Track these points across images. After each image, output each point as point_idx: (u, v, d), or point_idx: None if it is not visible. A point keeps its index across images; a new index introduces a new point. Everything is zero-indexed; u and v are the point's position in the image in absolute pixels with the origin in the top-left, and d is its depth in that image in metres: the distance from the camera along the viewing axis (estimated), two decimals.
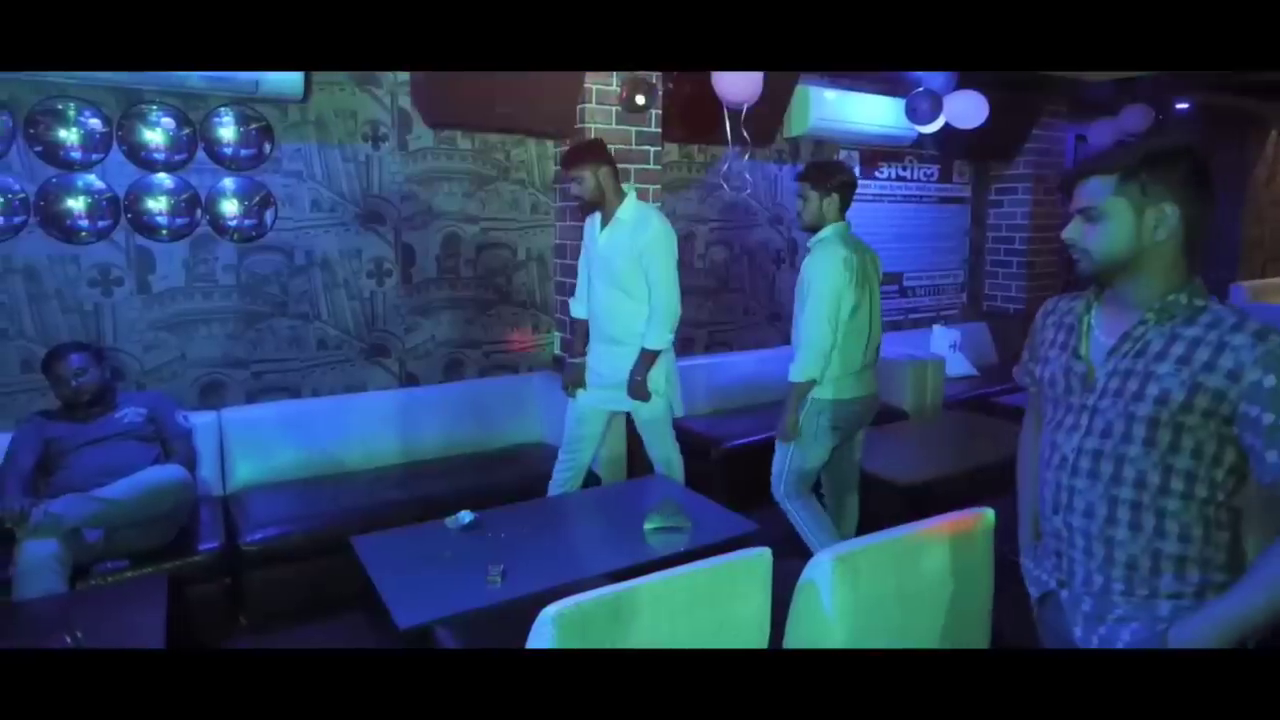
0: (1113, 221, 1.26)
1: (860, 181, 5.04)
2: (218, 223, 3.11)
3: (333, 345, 3.42)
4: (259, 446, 3.19)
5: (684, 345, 4.40)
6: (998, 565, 1.97)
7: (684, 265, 4.29)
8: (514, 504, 3.06)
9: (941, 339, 5.26)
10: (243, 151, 3.11)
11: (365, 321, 3.48)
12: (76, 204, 2.86)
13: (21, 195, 2.77)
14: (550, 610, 1.44)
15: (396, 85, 3.38)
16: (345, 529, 2.71)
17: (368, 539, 2.59)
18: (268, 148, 3.15)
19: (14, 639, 1.96)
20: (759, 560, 1.68)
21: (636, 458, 3.51)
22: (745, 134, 3.58)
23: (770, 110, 4.07)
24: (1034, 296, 5.52)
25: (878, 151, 5.11)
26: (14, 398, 2.83)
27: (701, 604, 1.63)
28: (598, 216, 2.94)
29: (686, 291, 4.30)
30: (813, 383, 2.74)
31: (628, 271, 2.85)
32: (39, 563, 2.24)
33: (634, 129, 3.62)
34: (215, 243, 3.12)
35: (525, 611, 1.66)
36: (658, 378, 2.94)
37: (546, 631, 1.44)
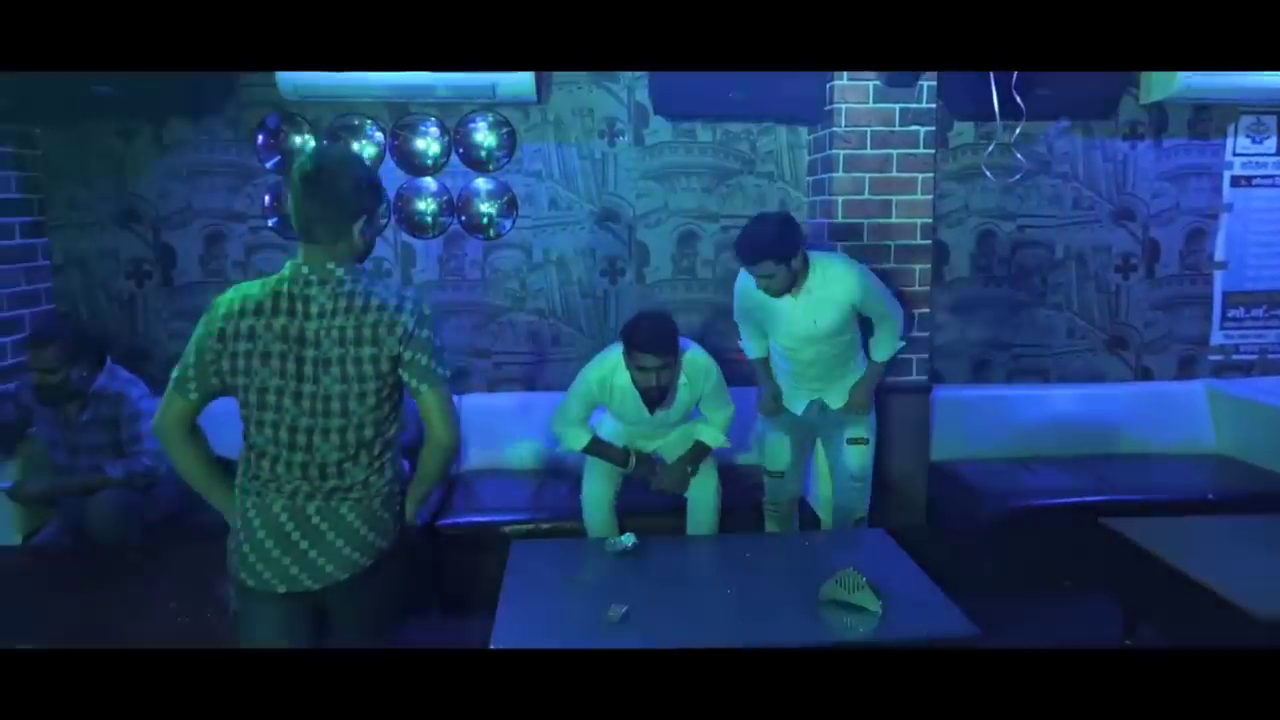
0: None
1: (1277, 159, 3.60)
2: (468, 221, 3.35)
3: (565, 342, 3.46)
4: (491, 432, 3.37)
5: (976, 369, 3.61)
6: None
7: (979, 270, 3.51)
8: (691, 535, 2.78)
9: None
10: (490, 154, 3.30)
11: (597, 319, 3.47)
12: None
13: None
14: None
15: (633, 79, 3.29)
16: (546, 524, 2.82)
17: (525, 545, 2.54)
18: (511, 149, 3.30)
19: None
20: None
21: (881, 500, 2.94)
22: (1019, 102, 2.72)
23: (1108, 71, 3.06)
24: None
25: None
26: None
27: None
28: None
29: (977, 304, 3.53)
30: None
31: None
32: None
33: (897, 106, 3.01)
34: (464, 240, 3.37)
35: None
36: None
37: None
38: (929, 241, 3.14)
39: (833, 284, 2.48)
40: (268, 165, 3.25)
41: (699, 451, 2.69)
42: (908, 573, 2.30)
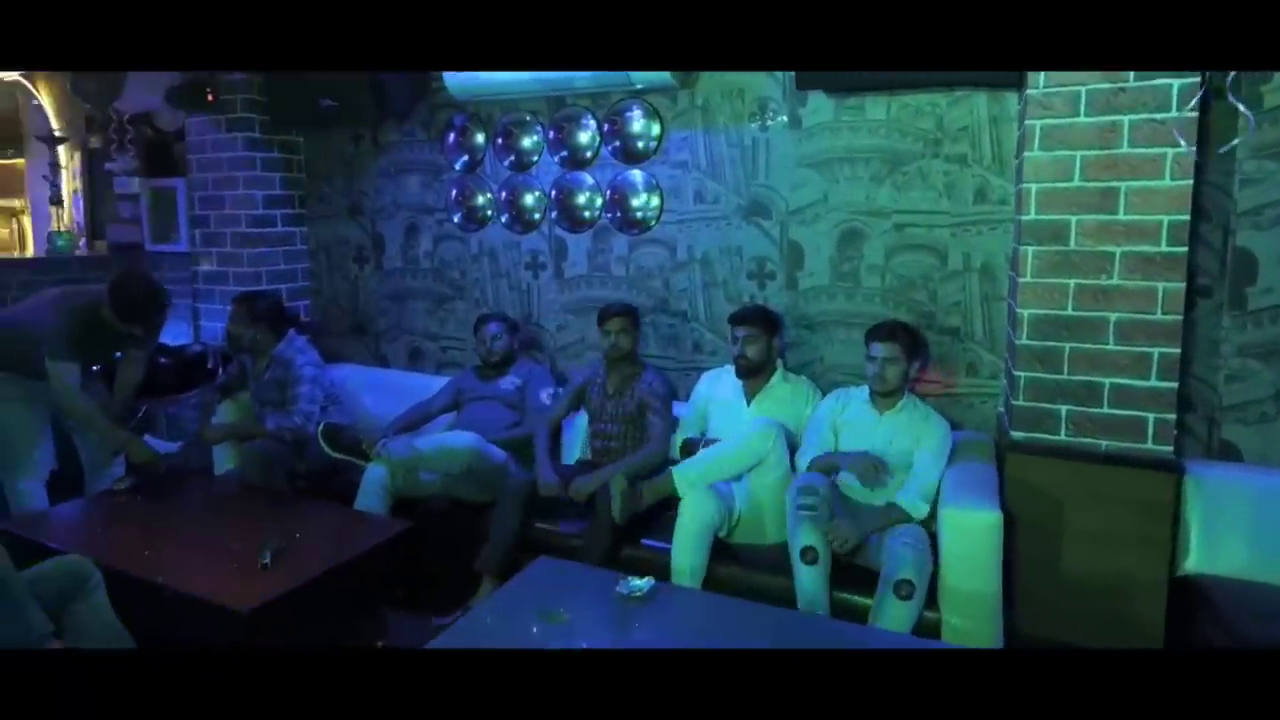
0: None
1: None
2: (616, 215, 3.21)
3: (708, 350, 3.13)
4: None
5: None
6: None
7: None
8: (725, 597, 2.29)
9: None
10: (638, 145, 3.11)
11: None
12: (528, 199, 3.39)
13: (493, 195, 3.45)
14: None
15: None
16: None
17: (549, 562, 2.36)
18: (659, 140, 3.07)
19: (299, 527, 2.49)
20: None
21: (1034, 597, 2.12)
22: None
23: None
24: None
25: None
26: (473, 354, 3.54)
27: None
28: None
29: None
30: None
31: None
32: (369, 484, 2.82)
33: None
34: (612, 235, 3.24)
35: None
36: None
37: None
38: (1185, 249, 2.13)
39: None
40: (456, 165, 3.51)
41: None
42: None
